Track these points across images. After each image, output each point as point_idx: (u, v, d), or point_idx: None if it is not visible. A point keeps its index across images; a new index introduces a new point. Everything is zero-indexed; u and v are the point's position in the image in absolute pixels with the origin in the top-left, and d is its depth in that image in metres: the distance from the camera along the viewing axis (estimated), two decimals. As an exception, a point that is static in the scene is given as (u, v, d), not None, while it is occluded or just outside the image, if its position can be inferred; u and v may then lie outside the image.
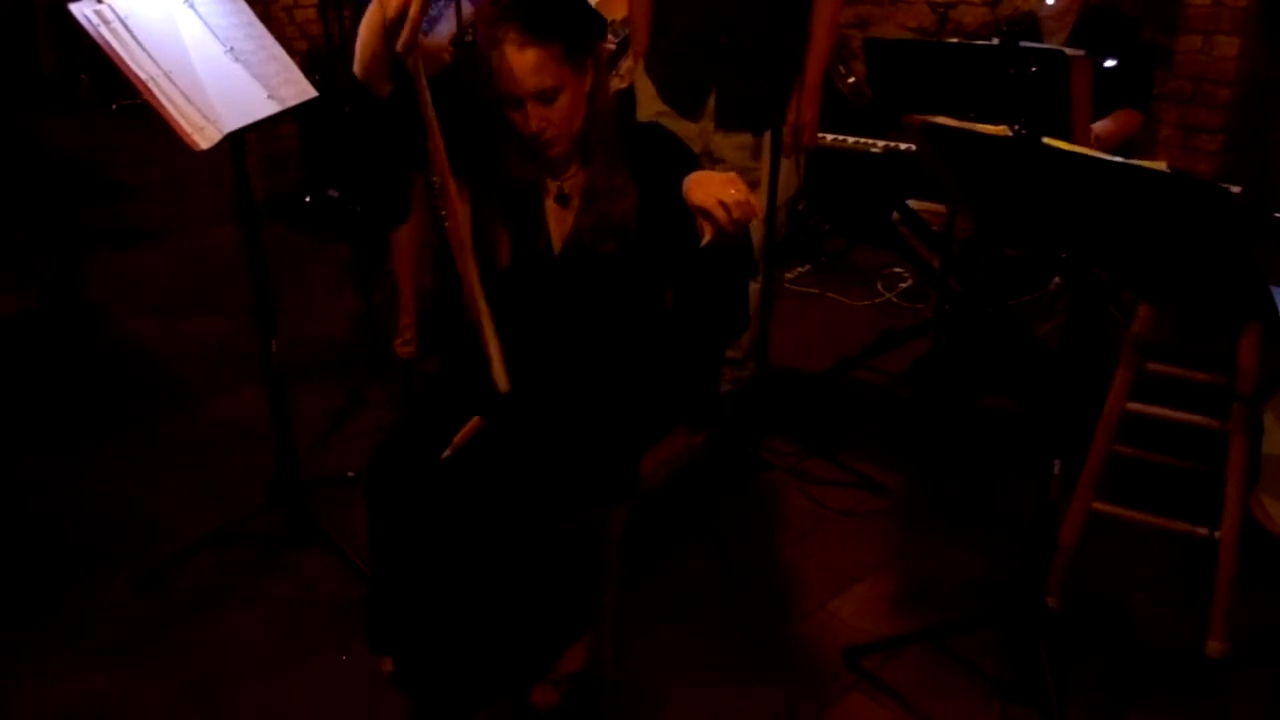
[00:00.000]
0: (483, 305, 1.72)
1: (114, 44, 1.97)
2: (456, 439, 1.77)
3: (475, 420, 1.79)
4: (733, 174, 1.62)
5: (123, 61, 1.97)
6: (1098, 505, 2.25)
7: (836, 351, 3.43)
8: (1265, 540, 2.36)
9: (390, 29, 1.59)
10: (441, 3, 3.08)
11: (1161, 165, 1.53)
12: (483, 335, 1.73)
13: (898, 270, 4.18)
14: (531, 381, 1.87)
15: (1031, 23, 2.96)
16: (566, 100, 1.74)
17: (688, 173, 1.84)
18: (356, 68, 1.76)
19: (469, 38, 3.13)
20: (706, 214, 1.58)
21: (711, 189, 1.59)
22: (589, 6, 1.88)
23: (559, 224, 1.88)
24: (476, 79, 1.78)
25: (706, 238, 1.59)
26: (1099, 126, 2.71)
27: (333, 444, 2.99)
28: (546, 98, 1.71)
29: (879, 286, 4.12)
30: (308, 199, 4.89)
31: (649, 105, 2.81)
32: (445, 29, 3.06)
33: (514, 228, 1.89)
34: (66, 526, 2.62)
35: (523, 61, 1.68)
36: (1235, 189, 1.44)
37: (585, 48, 1.76)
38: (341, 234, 4.51)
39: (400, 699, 1.95)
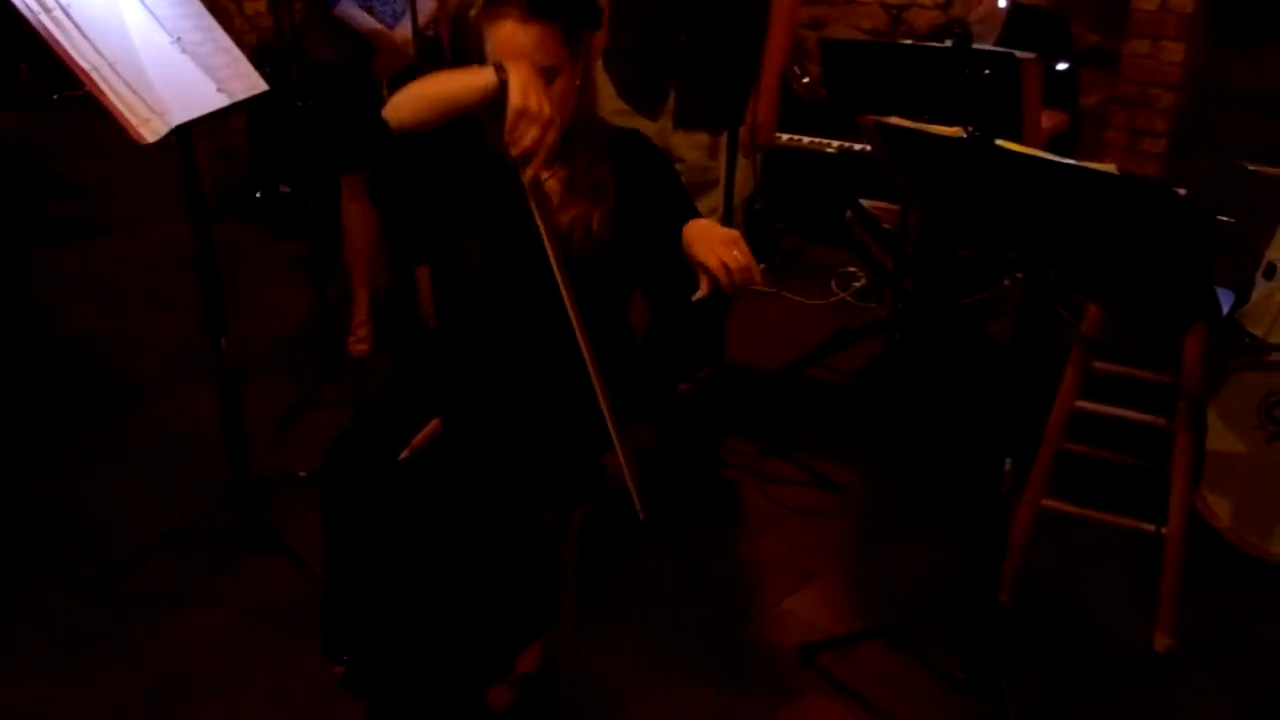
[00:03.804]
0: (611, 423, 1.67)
1: (55, 32, 1.91)
2: (415, 440, 1.74)
3: (435, 422, 1.77)
4: (736, 234, 1.58)
5: (64, 51, 1.91)
6: (1048, 502, 2.29)
7: (792, 350, 3.45)
8: (1210, 535, 2.42)
9: (521, 158, 1.61)
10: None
11: (1111, 167, 1.55)
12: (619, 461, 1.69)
13: (852, 270, 4.22)
14: (492, 381, 1.85)
15: (963, 28, 2.97)
16: (562, 84, 1.72)
17: (664, 179, 1.83)
18: (398, 118, 1.72)
19: (429, 33, 3.10)
20: (708, 271, 1.54)
21: (715, 247, 1.54)
22: None
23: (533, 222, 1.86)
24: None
25: (702, 292, 1.56)
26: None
27: (287, 442, 2.94)
28: (546, 78, 1.69)
29: (833, 285, 4.16)
30: (258, 194, 4.82)
31: (607, 103, 2.80)
32: (409, 24, 3.02)
33: (487, 225, 1.87)
34: (13, 530, 2.54)
35: (526, 37, 1.67)
36: (1181, 191, 1.47)
37: (581, 34, 1.75)
38: (293, 230, 4.45)
39: (356, 703, 1.93)
